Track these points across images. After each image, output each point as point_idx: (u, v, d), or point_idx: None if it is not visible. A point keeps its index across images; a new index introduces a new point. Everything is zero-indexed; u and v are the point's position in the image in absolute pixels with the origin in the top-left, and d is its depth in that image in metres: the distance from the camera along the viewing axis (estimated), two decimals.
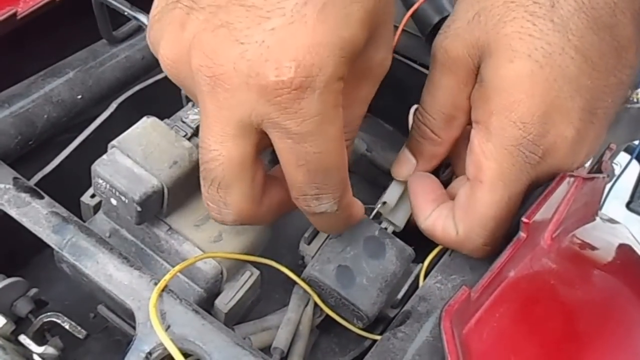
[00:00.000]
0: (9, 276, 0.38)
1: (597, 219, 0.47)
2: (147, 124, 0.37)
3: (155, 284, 0.32)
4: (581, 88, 0.38)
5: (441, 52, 0.40)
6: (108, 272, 0.32)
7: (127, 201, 0.34)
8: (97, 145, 0.44)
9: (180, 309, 0.31)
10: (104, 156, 0.35)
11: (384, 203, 0.45)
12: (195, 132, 0.39)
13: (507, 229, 0.40)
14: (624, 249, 0.45)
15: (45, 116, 0.44)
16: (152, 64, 0.52)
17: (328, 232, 0.42)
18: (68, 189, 0.41)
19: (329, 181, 0.34)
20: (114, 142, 0.35)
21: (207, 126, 0.32)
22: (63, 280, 0.43)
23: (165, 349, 0.30)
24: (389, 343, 0.37)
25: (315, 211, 0.35)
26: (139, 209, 0.34)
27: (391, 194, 0.46)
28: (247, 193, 0.34)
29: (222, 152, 0.32)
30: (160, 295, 0.30)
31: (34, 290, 0.38)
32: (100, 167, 0.34)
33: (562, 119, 0.38)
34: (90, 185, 0.42)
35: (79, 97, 0.46)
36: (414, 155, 0.44)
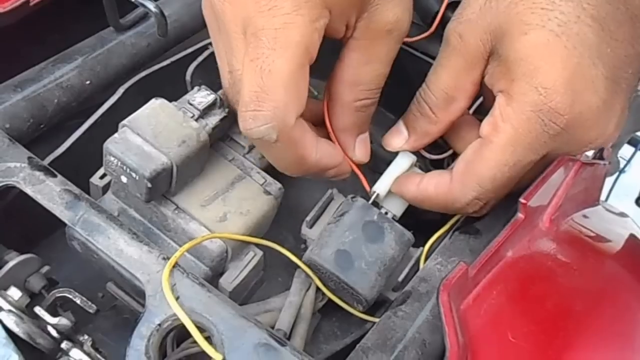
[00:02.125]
0: (21, 254, 0.39)
1: (599, 206, 0.47)
2: (155, 105, 0.38)
3: (164, 258, 0.33)
4: (602, 56, 0.37)
5: (455, 37, 0.40)
6: (119, 247, 0.33)
7: (137, 178, 0.35)
8: (105, 129, 0.45)
9: (188, 283, 0.32)
10: (116, 135, 0.36)
11: (376, 194, 0.45)
12: (202, 114, 0.40)
13: (505, 194, 0.40)
14: (627, 238, 0.45)
15: (56, 100, 0.45)
16: (157, 51, 0.53)
17: (282, 169, 0.41)
18: (78, 170, 0.42)
19: (272, 90, 0.34)
20: (124, 122, 0.36)
21: (230, 49, 0.36)
22: (73, 261, 0.44)
23: (174, 320, 0.31)
24: (389, 321, 0.38)
25: (253, 136, 0.35)
26: (149, 185, 0.35)
27: (382, 183, 0.46)
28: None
29: (238, 67, 0.36)
30: (170, 268, 0.31)
31: (46, 268, 0.39)
32: (112, 145, 0.35)
33: (586, 86, 0.37)
34: (99, 167, 0.43)
35: (88, 82, 0.47)
36: (407, 129, 0.44)
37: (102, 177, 0.42)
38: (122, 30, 0.51)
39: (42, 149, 0.45)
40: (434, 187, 0.42)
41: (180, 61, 0.50)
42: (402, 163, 0.46)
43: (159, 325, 0.31)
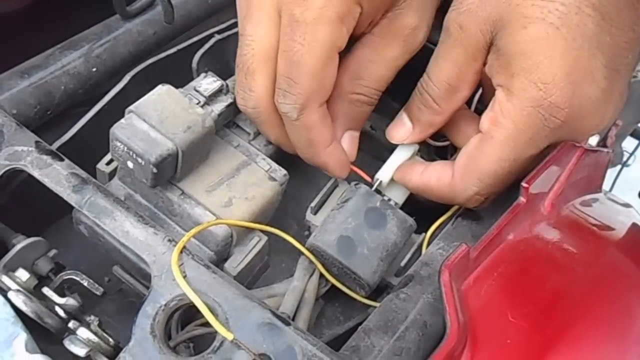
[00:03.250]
0: None
1: (603, 195, 0.47)
2: (162, 91, 0.38)
3: (169, 241, 0.34)
4: (602, 45, 0.37)
5: (454, 27, 0.40)
6: (125, 229, 0.34)
7: (143, 163, 0.35)
8: (112, 116, 0.45)
9: (193, 264, 0.33)
10: (122, 120, 0.36)
11: (379, 181, 0.45)
12: (208, 101, 0.40)
13: (507, 187, 0.40)
14: (629, 226, 0.45)
15: (63, 87, 0.45)
16: (164, 39, 0.54)
17: (293, 147, 0.43)
18: (84, 157, 0.43)
19: (299, 80, 0.37)
20: (131, 108, 0.37)
21: (249, 14, 0.38)
22: (79, 246, 0.45)
23: (180, 300, 0.31)
24: (391, 303, 0.39)
25: (280, 109, 0.39)
26: (154, 170, 0.35)
27: (385, 171, 0.46)
28: (268, 82, 0.39)
29: (255, 37, 0.38)
30: (179, 251, 0.32)
31: (53, 251, 0.39)
32: (119, 130, 0.36)
33: (585, 78, 0.37)
34: (105, 154, 0.44)
35: (94, 69, 0.48)
36: (410, 120, 0.44)
37: (108, 163, 0.43)
38: (129, 18, 0.51)
39: (48, 136, 0.45)
40: (436, 180, 0.43)
41: (187, 49, 0.51)
42: (404, 151, 0.46)
43: (165, 304, 0.32)
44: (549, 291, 0.35)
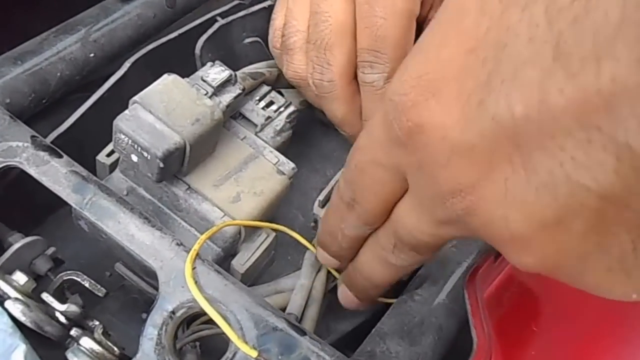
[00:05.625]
0: (26, 235, 0.38)
1: None
2: (168, 81, 0.36)
3: (178, 244, 0.32)
4: None
5: None
6: (130, 232, 0.32)
7: (149, 157, 0.33)
8: (111, 104, 0.43)
9: (204, 270, 0.31)
10: (126, 111, 0.34)
11: None
12: (216, 91, 0.38)
13: None
14: None
15: (59, 74, 0.43)
16: (164, 22, 0.51)
17: (365, 118, 0.43)
18: (82, 147, 0.41)
19: (385, 51, 0.38)
20: (135, 98, 0.34)
21: None
22: (78, 239, 0.43)
23: (189, 307, 0.30)
24: (406, 305, 0.37)
25: (365, 80, 0.40)
26: (161, 165, 0.33)
27: None
28: (346, 56, 0.40)
29: (331, 13, 0.39)
30: (192, 262, 0.30)
31: (52, 249, 0.37)
32: (123, 123, 0.33)
33: None
34: (104, 144, 0.42)
35: (91, 55, 0.45)
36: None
37: (109, 155, 0.40)
38: (127, 0, 0.48)
39: (43, 125, 0.43)
40: None
41: (188, 33, 0.48)
42: None
43: (173, 313, 0.30)
44: (574, 300, 0.33)
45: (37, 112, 0.43)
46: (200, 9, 0.54)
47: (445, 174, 0.25)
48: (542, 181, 0.21)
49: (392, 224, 0.31)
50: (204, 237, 0.32)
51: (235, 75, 0.39)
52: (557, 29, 0.20)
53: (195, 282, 0.29)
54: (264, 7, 0.51)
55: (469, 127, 0.23)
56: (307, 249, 0.43)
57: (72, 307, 0.31)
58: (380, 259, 0.33)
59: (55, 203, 0.37)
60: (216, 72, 0.38)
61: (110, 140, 0.41)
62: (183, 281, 0.30)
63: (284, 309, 0.41)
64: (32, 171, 0.33)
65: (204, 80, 0.38)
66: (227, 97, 0.39)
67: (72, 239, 0.44)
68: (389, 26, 0.38)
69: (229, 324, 0.29)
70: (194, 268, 0.30)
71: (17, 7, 0.45)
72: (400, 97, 0.26)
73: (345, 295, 0.39)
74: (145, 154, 0.34)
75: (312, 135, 0.56)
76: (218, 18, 0.50)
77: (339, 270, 0.41)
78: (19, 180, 0.39)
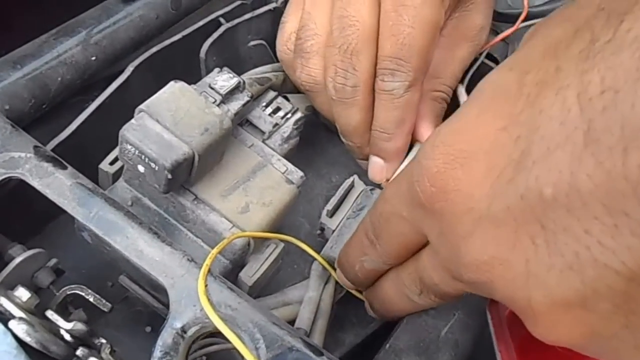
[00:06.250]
0: (24, 243, 0.37)
1: None
2: (175, 88, 0.34)
3: (189, 260, 0.30)
4: None
5: None
6: (138, 247, 0.30)
7: (157, 168, 0.32)
8: (113, 110, 0.42)
9: (216, 288, 0.30)
10: (132, 121, 0.33)
11: None
12: (224, 99, 0.37)
13: None
14: None
15: (59, 79, 0.41)
16: (166, 23, 0.50)
17: (381, 126, 0.42)
18: (84, 155, 0.39)
19: (409, 60, 0.38)
20: (142, 107, 0.33)
21: None
22: (79, 248, 0.42)
23: (201, 327, 0.29)
24: (420, 320, 0.36)
25: (385, 88, 0.39)
26: (169, 176, 0.32)
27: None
28: (370, 62, 0.39)
29: (359, 18, 0.38)
30: (204, 279, 0.29)
31: (53, 261, 0.36)
32: (129, 132, 0.32)
33: None
34: (106, 151, 0.40)
35: (93, 58, 0.44)
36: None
37: (112, 163, 0.39)
38: (129, 1, 0.47)
39: (42, 131, 0.41)
40: None
41: (191, 35, 0.47)
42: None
43: (185, 332, 0.29)
44: None
45: (37, 117, 0.41)
46: (202, 10, 0.53)
47: (466, 246, 0.25)
48: (567, 263, 0.21)
49: (417, 270, 0.32)
50: (215, 251, 0.31)
51: (244, 82, 0.38)
52: (588, 116, 0.20)
53: (209, 301, 0.28)
54: (270, 10, 0.49)
55: (496, 202, 0.23)
56: (315, 259, 0.42)
57: (78, 325, 0.30)
58: (403, 295, 0.34)
59: (55, 210, 0.35)
60: (224, 79, 0.37)
61: (113, 147, 0.40)
62: (195, 299, 0.29)
63: (291, 322, 0.40)
64: (35, 183, 0.31)
65: (212, 88, 0.37)
66: (235, 105, 0.38)
67: (73, 247, 0.42)
68: (417, 35, 0.37)
69: (244, 344, 0.28)
70: (206, 285, 0.29)
71: (15, 7, 0.44)
72: (428, 161, 0.26)
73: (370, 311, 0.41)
74: (153, 165, 0.32)
75: (317, 140, 0.55)
76: (221, 19, 0.49)
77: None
78: (18, 187, 0.38)
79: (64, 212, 0.33)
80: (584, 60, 0.21)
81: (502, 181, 0.23)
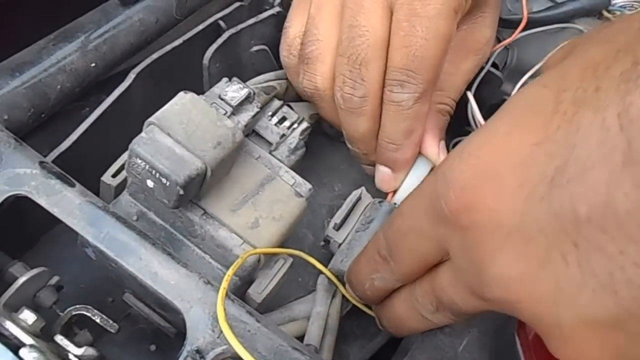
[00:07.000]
0: (19, 258, 0.35)
1: None
2: (185, 100, 0.33)
3: (205, 283, 0.29)
4: None
5: None
6: (153, 269, 0.29)
7: (168, 183, 0.31)
8: (114, 119, 0.40)
9: (235, 312, 0.28)
10: (143, 134, 0.31)
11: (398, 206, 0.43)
12: (235, 111, 0.36)
13: None
14: None
15: (59, 86, 0.40)
16: (165, 27, 0.48)
17: (389, 138, 0.41)
18: (84, 166, 0.37)
19: (420, 72, 0.37)
20: (152, 119, 0.32)
21: (360, 5, 0.37)
22: (76, 261, 0.40)
23: (221, 353, 0.27)
24: (436, 339, 0.36)
25: (394, 99, 0.38)
26: (181, 192, 0.31)
27: (402, 193, 0.44)
28: (380, 73, 0.38)
29: (369, 28, 0.37)
30: (223, 303, 0.27)
31: (55, 279, 0.35)
32: (140, 147, 0.31)
33: None
34: (107, 162, 0.39)
35: (93, 65, 0.42)
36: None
37: (114, 175, 0.37)
38: (128, 4, 0.45)
39: (38, 140, 0.40)
40: None
41: (191, 39, 0.45)
42: (420, 170, 0.44)
43: (202, 357, 0.27)
44: None
45: (34, 126, 0.40)
46: (200, 12, 0.52)
47: (493, 262, 0.24)
48: (600, 283, 0.21)
49: (433, 288, 0.31)
50: (230, 272, 0.30)
51: (254, 93, 0.37)
52: (628, 137, 0.20)
53: (229, 326, 0.27)
54: (273, 15, 0.48)
55: (528, 218, 0.23)
56: (321, 272, 0.41)
57: (89, 351, 0.28)
58: (416, 313, 0.33)
59: (49, 221, 0.34)
60: (234, 90, 0.36)
61: (113, 157, 0.38)
62: (212, 323, 0.28)
63: (299, 337, 0.39)
64: (42, 201, 0.30)
65: (222, 99, 0.35)
66: (245, 117, 0.36)
67: (69, 261, 0.40)
68: (430, 48, 0.36)
69: None
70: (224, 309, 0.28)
71: (12, 10, 0.42)
72: (454, 173, 0.26)
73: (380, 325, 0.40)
74: (164, 180, 0.31)
75: (319, 148, 0.54)
76: (220, 22, 0.48)
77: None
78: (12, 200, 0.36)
79: (58, 223, 0.31)
80: (626, 82, 0.21)
81: (534, 198, 0.23)
